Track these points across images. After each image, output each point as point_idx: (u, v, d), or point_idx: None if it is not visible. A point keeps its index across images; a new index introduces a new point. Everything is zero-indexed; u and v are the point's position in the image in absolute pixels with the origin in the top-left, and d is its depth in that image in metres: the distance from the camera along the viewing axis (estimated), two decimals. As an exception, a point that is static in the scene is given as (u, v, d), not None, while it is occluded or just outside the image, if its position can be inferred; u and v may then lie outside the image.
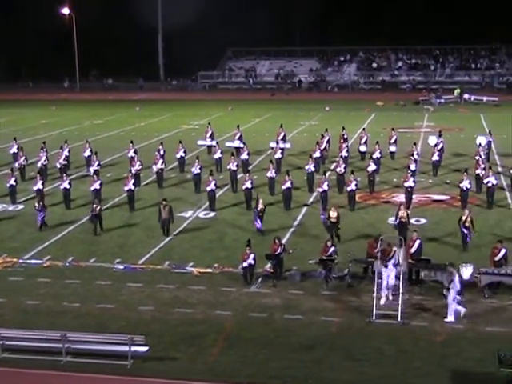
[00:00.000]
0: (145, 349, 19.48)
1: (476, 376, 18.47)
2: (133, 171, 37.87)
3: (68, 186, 35.26)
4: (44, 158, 41.74)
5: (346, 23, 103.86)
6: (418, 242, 24.84)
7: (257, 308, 22.96)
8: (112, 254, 28.27)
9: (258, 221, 30.24)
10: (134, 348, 19.33)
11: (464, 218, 27.42)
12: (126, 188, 34.83)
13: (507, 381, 17.27)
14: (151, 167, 39.96)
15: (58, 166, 41.72)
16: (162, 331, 21.22)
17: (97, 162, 40.18)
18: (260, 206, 30.19)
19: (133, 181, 35.20)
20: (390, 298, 22.79)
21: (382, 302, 22.63)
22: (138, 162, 39.52)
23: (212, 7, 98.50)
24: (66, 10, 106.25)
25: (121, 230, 31.95)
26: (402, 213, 28.24)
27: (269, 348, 20.15)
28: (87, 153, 43.72)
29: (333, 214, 28.92)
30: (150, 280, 25.50)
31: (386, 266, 22.91)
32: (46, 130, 61.52)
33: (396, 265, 22.99)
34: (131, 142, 44.41)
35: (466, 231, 27.47)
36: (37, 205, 31.69)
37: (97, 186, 34.84)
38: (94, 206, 30.96)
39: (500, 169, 41.59)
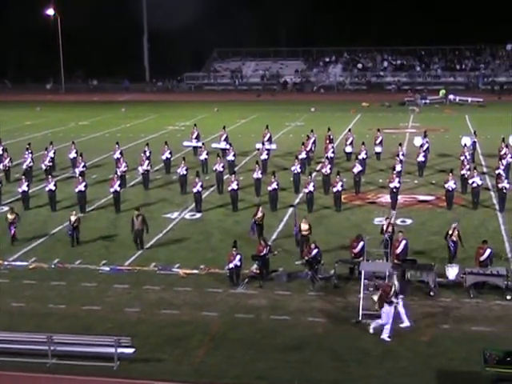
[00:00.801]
0: (131, 350, 19.44)
1: (461, 375, 18.55)
2: (118, 172, 37.77)
3: (53, 188, 35.13)
4: (29, 159, 41.55)
5: (331, 24, 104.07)
6: (403, 242, 24.92)
7: (243, 309, 22.96)
8: (98, 256, 28.20)
9: (254, 230, 29.14)
10: (120, 350, 19.28)
11: (451, 232, 26.34)
12: (112, 189, 34.75)
13: (492, 380, 17.36)
14: (137, 168, 39.89)
15: (43, 167, 41.56)
16: (148, 333, 21.19)
17: (82, 164, 40.10)
18: (259, 215, 29.37)
19: (118, 182, 35.13)
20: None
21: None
22: (124, 164, 39.44)
23: (198, 8, 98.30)
24: (50, 11, 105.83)
25: (106, 231, 31.87)
26: (388, 227, 27.02)
27: (255, 349, 20.16)
28: (73, 154, 43.61)
29: (304, 226, 27.74)
30: (136, 281, 25.46)
31: (391, 304, 21.05)
32: (31, 132, 61.28)
33: (397, 295, 21.42)
34: (117, 143, 44.31)
35: (453, 245, 26.26)
36: (9, 216, 30.02)
37: (82, 187, 34.72)
38: (72, 218, 29.54)
39: (485, 169, 41.76)
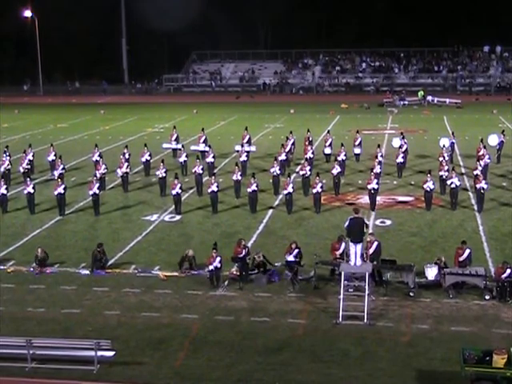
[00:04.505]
0: (111, 353, 19.38)
1: (441, 375, 18.64)
2: (97, 175, 37.63)
3: (32, 191, 34.93)
4: (7, 162, 41.26)
5: (310, 26, 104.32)
6: (375, 243, 25.03)
7: (223, 311, 22.95)
8: (77, 259, 28.07)
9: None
10: (100, 353, 19.21)
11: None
12: (91, 192, 34.61)
13: (471, 379, 17.44)
14: (116, 171, 39.75)
15: (22, 170, 41.30)
16: (128, 336, 21.13)
17: (61, 166, 39.92)
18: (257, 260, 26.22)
19: (97, 185, 34.96)
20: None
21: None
22: (103, 166, 39.32)
23: (176, 10, 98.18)
24: (28, 13, 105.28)
25: (86, 234, 31.74)
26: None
27: (235, 351, 20.15)
28: (51, 157, 43.39)
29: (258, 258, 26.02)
30: (116, 284, 25.37)
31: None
32: (9, 134, 60.82)
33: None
34: (96, 145, 44.14)
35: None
36: None
37: (61, 190, 34.54)
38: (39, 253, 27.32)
39: (463, 170, 42.01)
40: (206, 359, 19.72)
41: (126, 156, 41.13)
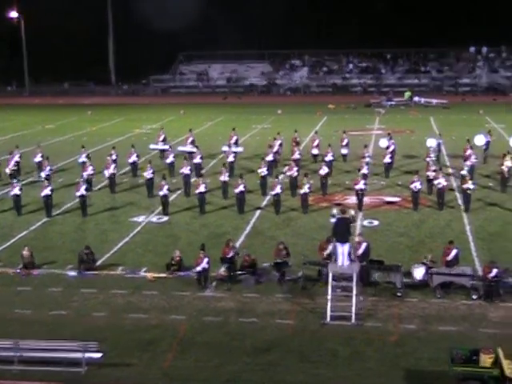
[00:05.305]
0: (99, 355, 19.34)
1: (429, 375, 18.70)
2: (85, 176, 37.57)
3: (18, 193, 34.81)
4: (-6, 163, 41.17)
5: (297, 27, 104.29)
6: (364, 244, 25.10)
7: (211, 312, 22.94)
8: (64, 260, 27.98)
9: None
10: (87, 355, 19.17)
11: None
12: (78, 193, 34.52)
13: (459, 379, 17.50)
14: (103, 172, 39.66)
15: (8, 172, 41.15)
16: (116, 337, 21.09)
17: (48, 167, 39.81)
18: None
19: (85, 186, 34.90)
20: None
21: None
22: (90, 167, 39.26)
23: (163, 10, 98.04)
24: (14, 14, 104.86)
25: (73, 235, 31.66)
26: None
27: (224, 352, 20.15)
28: (38, 158, 43.27)
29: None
30: (104, 286, 25.32)
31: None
32: (-4, 135, 60.69)
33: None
34: (83, 146, 44.04)
35: None
36: None
37: (48, 191, 34.43)
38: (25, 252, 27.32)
39: (450, 170, 42.13)
40: (194, 360, 19.71)
41: (114, 157, 41.07)
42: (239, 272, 25.48)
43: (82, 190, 34.40)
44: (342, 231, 22.96)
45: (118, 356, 19.88)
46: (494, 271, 23.43)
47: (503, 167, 37.13)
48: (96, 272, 26.61)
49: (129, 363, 19.55)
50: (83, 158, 42.08)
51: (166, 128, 53.13)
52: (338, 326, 21.60)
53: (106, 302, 23.90)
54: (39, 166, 42.64)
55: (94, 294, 24.64)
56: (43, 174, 39.23)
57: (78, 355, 19.12)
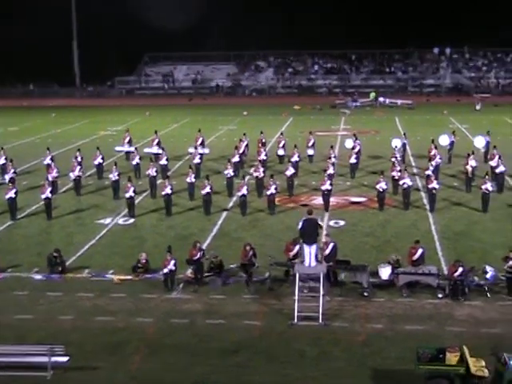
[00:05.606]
0: (65, 359, 19.17)
1: (395, 374, 18.82)
2: (50, 179, 37.23)
3: (-18, 195, 34.47)
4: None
5: (262, 28, 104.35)
6: (331, 245, 25.18)
7: (178, 314, 22.88)
8: (30, 264, 27.72)
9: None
10: (53, 358, 19.00)
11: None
12: (43, 196, 34.22)
13: (425, 377, 17.63)
14: (68, 174, 39.37)
15: (-29, 174, 40.74)
16: (82, 340, 20.94)
17: (12, 170, 39.41)
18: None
19: (50, 188, 34.61)
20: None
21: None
22: (55, 170, 38.94)
23: (128, 11, 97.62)
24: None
25: (38, 238, 31.39)
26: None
27: (192, 354, 20.11)
28: (2, 160, 42.79)
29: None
30: (70, 289, 25.12)
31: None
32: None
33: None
34: (48, 148, 43.67)
35: None
36: None
37: (12, 194, 34.09)
38: None
39: (415, 170, 42.43)
40: (162, 362, 19.65)
41: (79, 159, 40.79)
42: (206, 274, 25.47)
43: (47, 193, 34.12)
44: (310, 232, 23.01)
45: (85, 359, 19.73)
46: (460, 270, 23.64)
47: (468, 167, 37.47)
48: (62, 275, 26.39)
49: (96, 366, 19.43)
50: (48, 161, 41.74)
51: (132, 130, 52.88)
52: (306, 326, 21.65)
53: (73, 305, 23.72)
54: (3, 169, 42.16)
55: (60, 297, 24.45)
56: (7, 177, 38.85)
57: (44, 359, 18.94)
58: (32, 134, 62.38)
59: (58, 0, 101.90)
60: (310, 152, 45.42)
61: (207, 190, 34.01)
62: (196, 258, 25.18)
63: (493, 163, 38.33)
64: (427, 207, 34.52)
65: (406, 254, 25.10)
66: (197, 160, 41.94)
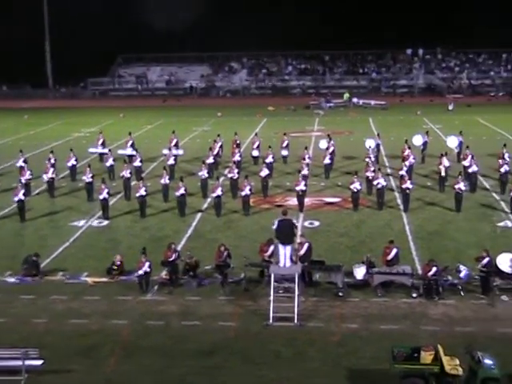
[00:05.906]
0: (39, 362, 19.02)
1: (371, 373, 18.90)
2: (23, 181, 37.00)
3: (-46, 198, 34.15)
4: None
5: (236, 29, 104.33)
6: (306, 245, 25.23)
7: (153, 316, 22.81)
8: (3, 267, 27.50)
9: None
10: (27, 362, 18.83)
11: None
12: (16, 198, 33.96)
13: (400, 377, 17.70)
14: (42, 176, 39.11)
15: None
16: (56, 343, 20.81)
17: (-16, 173, 39.14)
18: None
19: (23, 191, 34.39)
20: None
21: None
22: (28, 172, 38.67)
23: (101, 12, 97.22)
24: None
25: (12, 240, 31.16)
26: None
27: (167, 356, 20.06)
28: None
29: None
30: (43, 291, 24.96)
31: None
32: None
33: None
34: (20, 150, 43.31)
35: None
36: None
37: (-15, 196, 33.86)
38: None
39: (389, 170, 42.61)
40: (137, 365, 19.58)
41: (52, 161, 40.54)
42: (181, 276, 25.42)
43: (20, 195, 33.87)
44: (286, 232, 23.04)
45: (59, 362, 19.60)
46: (434, 269, 23.79)
47: (441, 167, 37.68)
48: (35, 277, 26.20)
49: (70, 369, 19.32)
50: (21, 163, 41.42)
51: (106, 131, 52.67)
52: (281, 327, 21.68)
53: (46, 308, 23.57)
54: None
55: (34, 300, 24.28)
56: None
57: (18, 363, 18.78)
58: (4, 136, 61.83)
59: (31, 0, 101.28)
60: (285, 153, 45.47)
61: (181, 191, 33.94)
62: (171, 259, 25.13)
63: (466, 163, 38.64)
64: (401, 207, 34.69)
65: (381, 253, 25.21)
66: (171, 161, 41.85)
